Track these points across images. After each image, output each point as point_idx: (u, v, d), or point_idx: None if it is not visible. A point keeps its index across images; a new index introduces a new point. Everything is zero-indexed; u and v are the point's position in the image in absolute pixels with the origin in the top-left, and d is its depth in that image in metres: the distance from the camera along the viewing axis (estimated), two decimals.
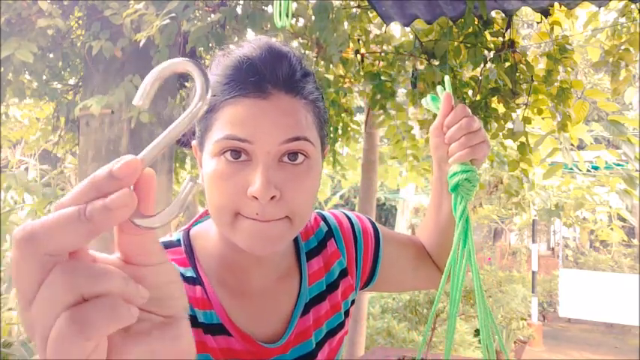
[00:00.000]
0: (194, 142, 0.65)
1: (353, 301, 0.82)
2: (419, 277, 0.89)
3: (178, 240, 0.67)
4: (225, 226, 0.59)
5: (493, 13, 2.66)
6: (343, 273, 0.78)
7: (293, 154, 0.58)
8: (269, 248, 0.58)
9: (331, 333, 0.76)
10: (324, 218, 0.82)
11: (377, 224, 0.87)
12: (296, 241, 0.75)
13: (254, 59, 0.58)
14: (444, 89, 0.75)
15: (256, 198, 0.55)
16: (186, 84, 3.29)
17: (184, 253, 0.66)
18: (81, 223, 0.27)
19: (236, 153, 0.57)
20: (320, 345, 0.74)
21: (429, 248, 0.90)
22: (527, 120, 2.75)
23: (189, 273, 0.64)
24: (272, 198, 0.55)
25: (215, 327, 0.63)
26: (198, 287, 0.64)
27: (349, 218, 0.84)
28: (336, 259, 0.78)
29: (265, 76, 0.57)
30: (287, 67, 0.59)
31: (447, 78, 0.75)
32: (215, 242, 0.66)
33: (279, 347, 0.68)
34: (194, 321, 0.62)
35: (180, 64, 0.34)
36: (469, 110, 0.72)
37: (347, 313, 0.80)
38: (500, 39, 2.70)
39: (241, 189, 0.56)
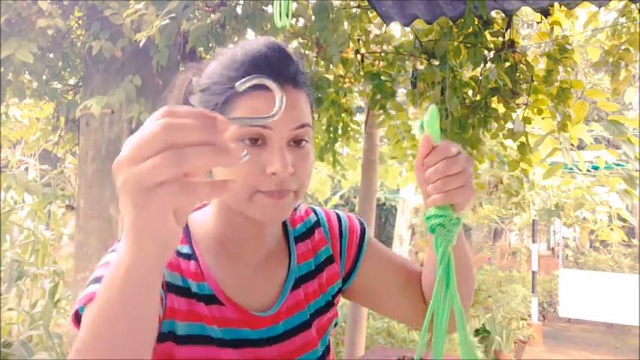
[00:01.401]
0: None
1: (340, 290, 0.86)
2: (403, 304, 0.87)
3: None
4: (242, 202, 0.67)
5: (493, 13, 2.66)
6: (329, 259, 0.84)
7: (298, 140, 0.68)
8: (279, 219, 0.69)
9: (319, 312, 0.81)
10: (314, 211, 0.88)
11: (367, 232, 0.90)
12: (285, 227, 0.83)
13: (270, 58, 0.66)
14: (434, 117, 0.66)
15: (274, 174, 0.65)
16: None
17: (183, 236, 0.73)
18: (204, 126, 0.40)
19: (254, 139, 0.65)
20: (308, 321, 0.79)
21: (423, 281, 0.88)
22: (527, 120, 2.75)
23: (185, 250, 0.72)
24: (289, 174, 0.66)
25: (208, 297, 0.70)
26: (192, 262, 0.71)
27: (338, 215, 0.90)
28: (323, 245, 0.85)
29: (281, 73, 0.66)
30: (294, 65, 0.68)
31: (432, 108, 0.65)
32: (212, 224, 0.75)
33: (270, 316, 0.74)
34: (188, 291, 0.69)
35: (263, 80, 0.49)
36: (454, 149, 0.65)
37: (335, 299, 0.84)
38: (500, 39, 2.70)
39: (260, 169, 0.65)
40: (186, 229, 0.74)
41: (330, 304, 0.83)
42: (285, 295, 0.77)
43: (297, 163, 0.68)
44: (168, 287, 0.69)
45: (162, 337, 0.67)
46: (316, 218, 0.87)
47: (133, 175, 0.38)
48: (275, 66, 0.65)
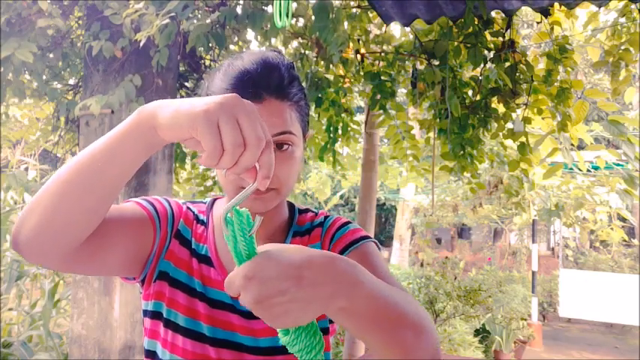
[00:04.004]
0: None
1: None
2: None
3: (205, 202, 0.93)
4: (233, 195, 0.78)
5: (493, 13, 2.66)
6: None
7: (280, 144, 0.77)
8: (261, 210, 0.79)
9: None
10: (327, 217, 0.93)
11: (365, 245, 0.85)
12: (291, 223, 0.91)
13: (252, 72, 0.74)
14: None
15: None
16: (186, 84, 3.29)
17: (206, 208, 0.91)
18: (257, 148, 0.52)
19: None
20: None
21: None
22: (527, 120, 2.75)
23: (202, 217, 0.89)
24: None
25: (201, 256, 0.85)
26: (202, 227, 0.88)
27: (345, 223, 0.91)
28: (315, 242, 0.89)
29: (261, 86, 0.74)
30: (277, 77, 0.76)
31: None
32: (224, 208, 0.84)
33: None
34: (189, 245, 0.85)
35: None
36: (230, 288, 0.55)
37: None
38: (500, 39, 2.70)
39: None
40: (210, 206, 0.91)
41: None
42: None
43: (277, 165, 0.74)
44: (177, 234, 0.85)
45: (160, 274, 0.83)
46: (323, 221, 0.91)
47: (210, 122, 0.52)
48: (257, 80, 0.74)
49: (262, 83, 0.75)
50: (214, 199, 0.94)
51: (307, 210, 0.94)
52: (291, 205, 0.94)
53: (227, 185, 0.79)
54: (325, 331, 0.86)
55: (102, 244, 0.71)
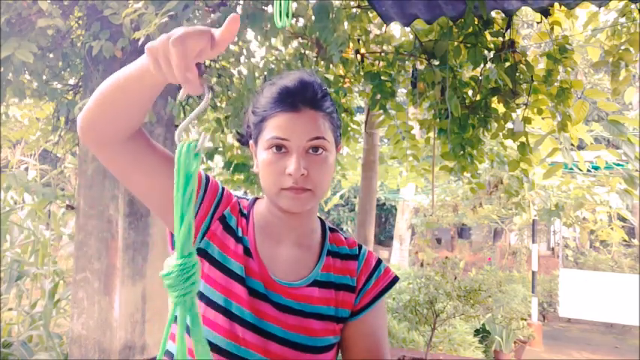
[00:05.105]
0: (251, 141, 0.95)
1: (346, 319, 0.96)
2: None
3: (249, 199, 1.02)
4: (273, 195, 0.88)
5: (493, 13, 2.66)
6: (350, 288, 0.98)
7: (315, 148, 0.87)
8: (300, 208, 0.88)
9: (319, 317, 0.93)
10: (360, 247, 1.03)
11: (384, 296, 1.00)
12: (323, 242, 1.00)
13: (291, 88, 0.88)
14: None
15: (290, 175, 0.84)
16: None
17: (248, 204, 1.00)
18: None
19: (278, 148, 0.86)
20: (309, 313, 0.92)
21: None
22: (527, 120, 2.75)
23: (244, 211, 0.98)
24: (302, 175, 0.85)
25: (244, 247, 0.93)
26: (245, 220, 0.96)
27: (379, 261, 1.03)
28: (350, 274, 0.98)
29: (297, 99, 0.87)
30: (311, 91, 0.89)
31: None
32: (263, 208, 0.98)
33: (283, 286, 0.91)
34: (234, 233, 0.93)
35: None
36: None
37: (340, 320, 0.95)
38: (500, 39, 2.70)
39: (282, 170, 0.86)
40: (252, 203, 1.00)
41: (335, 319, 0.94)
42: (303, 284, 0.93)
43: (312, 167, 0.86)
44: (221, 219, 0.93)
45: (198, 251, 0.89)
46: (357, 253, 1.01)
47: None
48: (294, 93, 0.88)
49: (299, 96, 0.87)
50: (255, 199, 1.03)
51: (335, 229, 1.04)
52: (320, 219, 1.03)
53: (268, 186, 0.88)
54: (331, 347, 0.94)
55: (147, 153, 0.84)
